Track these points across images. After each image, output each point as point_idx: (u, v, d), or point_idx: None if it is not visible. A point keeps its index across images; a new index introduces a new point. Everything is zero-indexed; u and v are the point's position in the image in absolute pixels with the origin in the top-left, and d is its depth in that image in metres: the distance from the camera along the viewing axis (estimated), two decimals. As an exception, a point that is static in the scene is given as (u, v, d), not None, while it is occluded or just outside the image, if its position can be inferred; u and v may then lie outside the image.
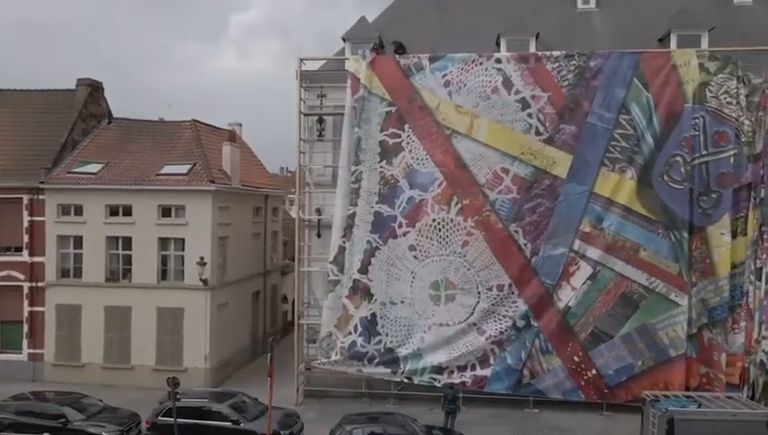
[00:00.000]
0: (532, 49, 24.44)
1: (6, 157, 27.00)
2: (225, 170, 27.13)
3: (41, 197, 26.17)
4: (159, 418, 19.34)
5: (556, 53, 22.05)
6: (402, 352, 22.12)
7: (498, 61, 22.11)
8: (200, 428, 18.92)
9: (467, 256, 21.78)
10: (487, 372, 21.60)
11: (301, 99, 24.03)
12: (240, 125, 34.25)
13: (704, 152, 20.97)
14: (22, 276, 26.17)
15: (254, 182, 30.83)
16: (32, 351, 26.18)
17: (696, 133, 20.95)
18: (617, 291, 21.07)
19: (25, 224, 26.21)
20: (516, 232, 21.56)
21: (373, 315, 22.31)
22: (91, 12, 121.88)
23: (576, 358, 21.19)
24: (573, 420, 21.42)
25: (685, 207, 20.85)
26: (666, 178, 21.01)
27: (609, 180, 21.20)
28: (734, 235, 20.79)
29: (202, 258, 24.68)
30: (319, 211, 24.54)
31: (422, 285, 22.09)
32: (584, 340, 21.18)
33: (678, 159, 20.95)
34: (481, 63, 22.09)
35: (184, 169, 25.89)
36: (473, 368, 21.72)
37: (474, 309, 21.72)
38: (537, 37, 24.95)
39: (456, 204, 21.91)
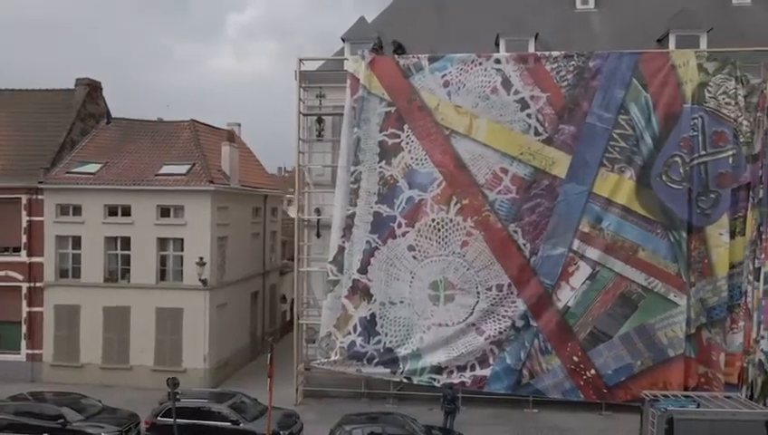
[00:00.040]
0: (532, 49, 24.46)
1: (5, 157, 26.94)
2: (225, 171, 27.10)
3: (39, 197, 26.12)
4: (159, 418, 19.33)
5: (555, 54, 22.08)
6: (401, 352, 22.13)
7: (497, 61, 22.13)
8: (200, 428, 18.89)
9: (467, 257, 21.80)
10: (486, 372, 21.62)
11: (300, 99, 24.02)
12: (239, 125, 34.22)
13: (702, 153, 21.01)
14: (20, 277, 26.12)
15: (252, 182, 30.80)
16: (30, 351, 26.13)
17: (695, 133, 20.99)
18: (616, 291, 21.10)
19: (24, 224, 26.15)
20: (515, 232, 21.58)
21: (372, 315, 22.32)
22: (91, 12, 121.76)
23: (575, 358, 21.22)
24: (572, 420, 21.45)
25: (683, 207, 20.89)
26: (664, 178, 21.05)
27: (608, 180, 21.24)
28: (732, 235, 20.83)
29: (201, 258, 24.66)
30: (318, 211, 24.54)
31: (421, 285, 22.10)
32: (583, 340, 21.21)
33: (677, 159, 20.99)
34: (480, 64, 22.11)
35: (183, 169, 25.86)
36: (472, 368, 21.74)
37: (473, 309, 21.74)
38: (536, 37, 24.98)
39: (456, 204, 21.93)
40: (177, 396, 17.95)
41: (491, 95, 21.92)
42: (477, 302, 21.73)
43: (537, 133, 21.66)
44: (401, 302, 22.26)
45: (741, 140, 20.92)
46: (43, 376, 25.71)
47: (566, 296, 21.28)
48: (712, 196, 20.90)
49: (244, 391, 21.25)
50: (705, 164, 20.99)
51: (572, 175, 21.38)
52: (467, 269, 21.80)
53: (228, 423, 19.07)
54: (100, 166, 26.50)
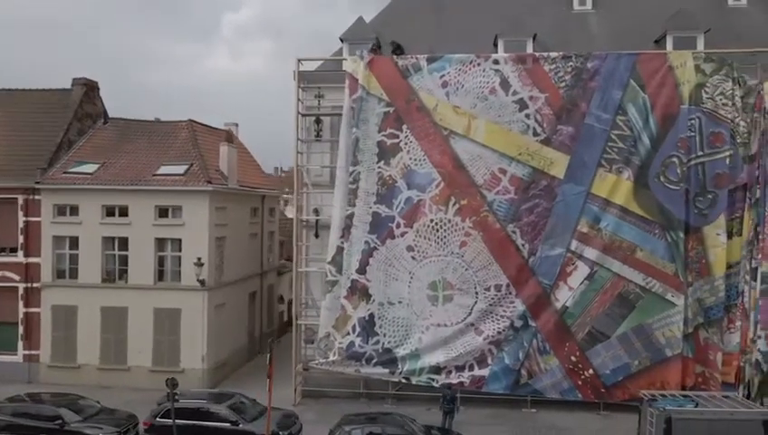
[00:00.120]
0: (530, 50, 24.52)
1: (1, 157, 26.82)
2: (222, 171, 27.06)
3: (36, 197, 26.02)
4: (157, 419, 19.30)
5: (553, 55, 22.14)
6: (400, 352, 22.15)
7: (496, 62, 22.18)
8: (199, 429, 18.89)
9: (465, 257, 21.84)
10: (485, 372, 21.67)
11: (298, 99, 24.00)
12: (236, 125, 34.21)
13: (699, 153, 21.11)
14: (17, 277, 26.02)
15: (250, 183, 30.76)
16: (27, 352, 26.02)
17: (692, 134, 21.09)
18: (614, 291, 21.18)
19: (20, 224, 26.05)
20: (514, 232, 21.63)
21: (371, 316, 22.33)
22: (91, 12, 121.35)
23: (573, 358, 21.29)
24: (571, 420, 21.51)
25: (681, 207, 20.99)
26: (662, 178, 21.14)
27: (606, 181, 21.31)
28: (729, 235, 20.94)
29: (199, 259, 24.62)
30: (317, 211, 24.54)
31: (420, 285, 22.13)
32: (581, 340, 21.27)
33: (674, 159, 21.08)
34: (478, 64, 22.15)
35: (181, 169, 25.80)
36: (471, 368, 21.77)
37: (471, 309, 21.78)
38: (534, 38, 25.04)
39: (454, 204, 21.96)
40: (176, 397, 17.93)
41: (489, 96, 21.96)
42: (476, 302, 21.78)
43: (535, 134, 21.71)
44: (400, 302, 22.28)
45: (738, 140, 21.03)
46: (40, 377, 25.61)
47: (564, 296, 21.35)
48: (709, 196, 21.01)
49: (243, 392, 21.25)
50: (703, 165, 21.09)
51: (571, 175, 21.44)
52: (466, 269, 21.84)
53: (227, 424, 19.05)
54: (97, 166, 26.42)
